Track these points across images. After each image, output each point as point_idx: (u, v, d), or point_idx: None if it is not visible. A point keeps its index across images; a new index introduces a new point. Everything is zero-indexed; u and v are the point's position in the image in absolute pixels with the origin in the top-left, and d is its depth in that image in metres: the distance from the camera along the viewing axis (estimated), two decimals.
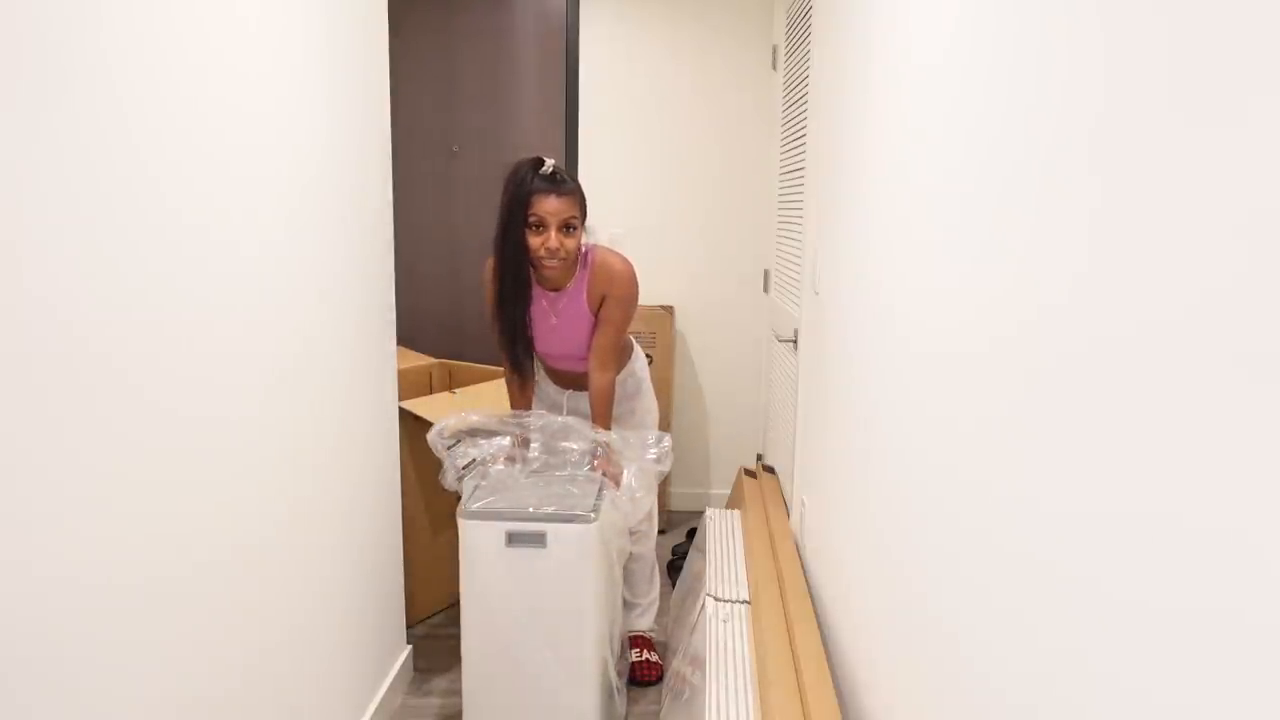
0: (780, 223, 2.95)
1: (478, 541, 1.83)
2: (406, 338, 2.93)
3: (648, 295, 3.37)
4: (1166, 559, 0.61)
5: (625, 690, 2.10)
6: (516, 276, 1.95)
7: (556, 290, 2.02)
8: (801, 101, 2.44)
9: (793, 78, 2.66)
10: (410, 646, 2.28)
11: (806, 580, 1.97)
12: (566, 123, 3.34)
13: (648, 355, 3.30)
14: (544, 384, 2.26)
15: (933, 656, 1.12)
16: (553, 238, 1.86)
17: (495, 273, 1.97)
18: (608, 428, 2.04)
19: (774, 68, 3.21)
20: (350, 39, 1.77)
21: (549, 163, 1.88)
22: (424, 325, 3.36)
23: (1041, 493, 0.81)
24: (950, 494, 1.07)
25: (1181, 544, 0.59)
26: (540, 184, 1.86)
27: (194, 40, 1.16)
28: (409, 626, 2.34)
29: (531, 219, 1.87)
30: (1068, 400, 0.76)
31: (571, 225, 1.88)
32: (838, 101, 1.89)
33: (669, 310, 3.31)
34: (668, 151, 3.33)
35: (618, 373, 2.13)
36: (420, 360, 2.87)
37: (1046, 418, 0.80)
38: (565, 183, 1.89)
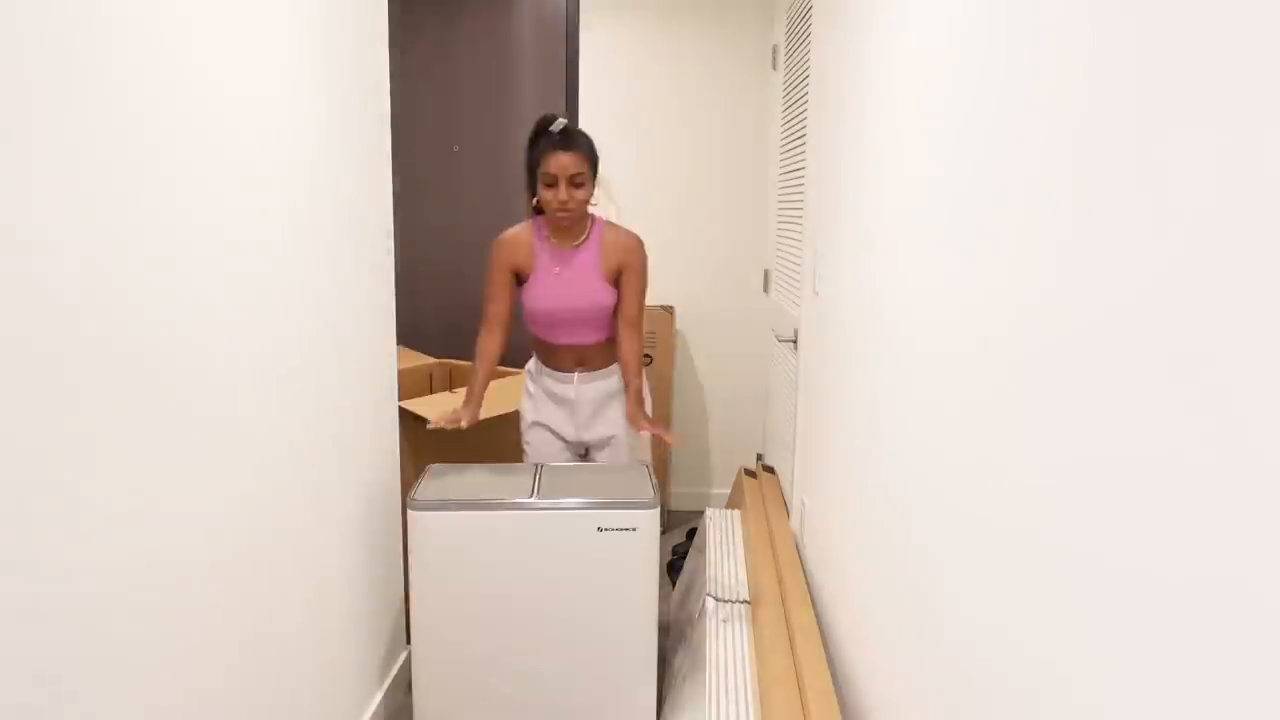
0: (780, 223, 2.95)
1: (427, 533, 1.87)
2: (406, 338, 2.92)
3: (648, 295, 3.36)
4: (1173, 567, 0.61)
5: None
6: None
7: (565, 249, 2.16)
8: (801, 101, 2.44)
9: (793, 78, 2.66)
10: (410, 646, 2.28)
11: (806, 580, 1.97)
12: None
13: (648, 355, 3.31)
14: (544, 380, 2.25)
15: (932, 656, 1.12)
16: (563, 190, 2.03)
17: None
18: (640, 382, 2.18)
19: (774, 68, 3.20)
20: (351, 40, 1.77)
21: (559, 121, 2.05)
22: (424, 325, 3.35)
23: (1045, 493, 0.81)
24: (951, 494, 1.07)
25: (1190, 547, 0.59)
26: (552, 141, 2.04)
27: (196, 45, 1.16)
28: (409, 626, 2.34)
29: (544, 177, 2.04)
30: (1071, 400, 0.76)
31: (579, 181, 2.05)
32: (838, 101, 1.89)
33: (669, 310, 3.31)
34: (668, 152, 3.33)
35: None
36: (420, 360, 2.87)
37: (1051, 417, 0.80)
38: (573, 138, 2.05)
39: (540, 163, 2.04)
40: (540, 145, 2.05)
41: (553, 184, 2.04)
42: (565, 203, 2.04)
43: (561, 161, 2.02)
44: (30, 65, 0.86)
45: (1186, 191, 0.60)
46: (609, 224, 2.21)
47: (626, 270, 2.18)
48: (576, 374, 2.22)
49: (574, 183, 2.04)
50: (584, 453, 2.32)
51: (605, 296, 2.17)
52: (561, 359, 2.23)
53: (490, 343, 2.18)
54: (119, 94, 1.00)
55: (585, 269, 2.15)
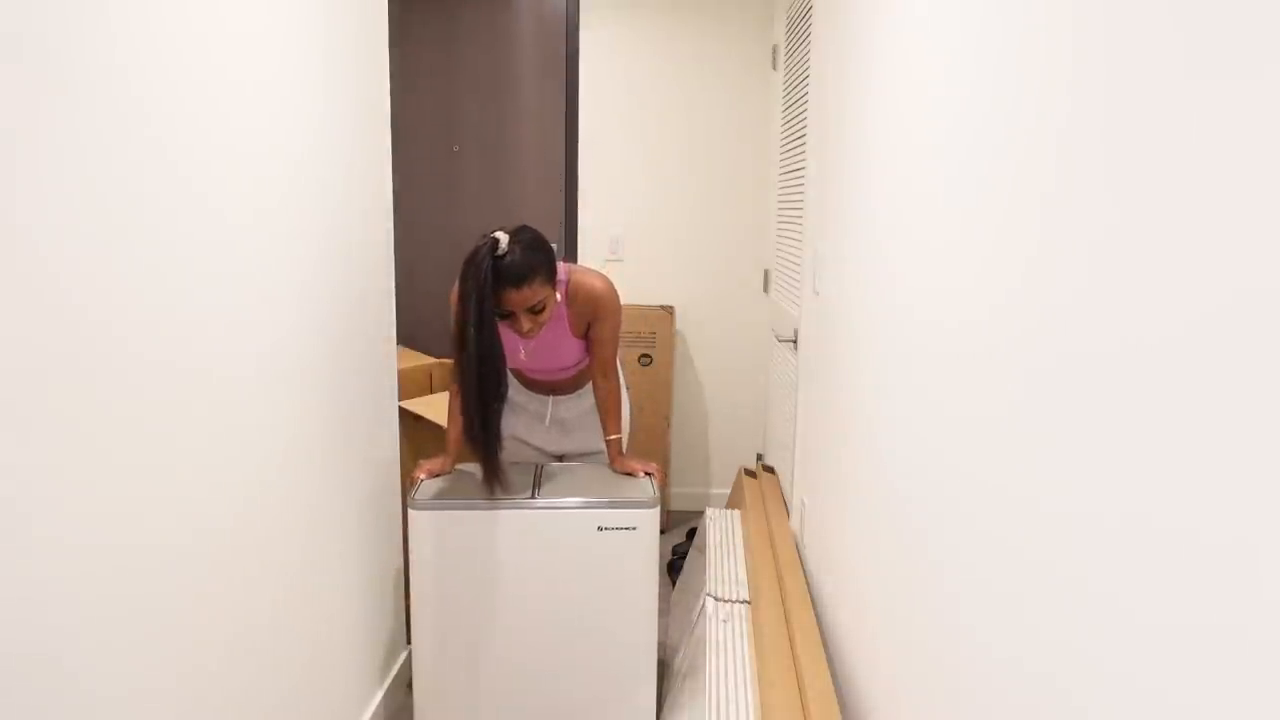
0: (780, 223, 2.95)
1: (427, 533, 1.88)
2: (406, 338, 2.93)
3: (648, 295, 3.38)
4: (1173, 573, 0.61)
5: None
6: (487, 355, 1.84)
7: None
8: (801, 101, 2.44)
9: (793, 78, 2.66)
10: (410, 646, 2.28)
11: (806, 580, 1.97)
12: (566, 122, 3.34)
13: (647, 355, 3.31)
14: (517, 396, 2.19)
15: (932, 656, 1.12)
16: (522, 324, 1.84)
17: (460, 350, 1.86)
18: (619, 428, 2.07)
19: (774, 68, 3.21)
20: (350, 39, 1.77)
21: (502, 244, 1.77)
22: (424, 325, 3.36)
23: (1046, 491, 0.81)
24: (950, 492, 1.07)
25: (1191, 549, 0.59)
26: (500, 281, 1.77)
27: (199, 50, 1.16)
28: (409, 626, 2.34)
29: (500, 309, 1.82)
30: (1073, 399, 0.76)
31: (538, 308, 1.83)
32: (838, 101, 1.89)
33: (669, 310, 3.31)
34: (668, 151, 3.33)
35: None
36: (420, 360, 2.87)
37: (1052, 415, 0.80)
38: (524, 270, 1.78)
39: (496, 300, 1.78)
40: (487, 283, 1.75)
41: (510, 315, 1.83)
42: (530, 332, 1.85)
43: (515, 300, 1.79)
44: (30, 48, 0.86)
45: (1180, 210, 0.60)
46: (574, 273, 2.00)
47: (594, 322, 2.02)
48: (551, 398, 2.19)
49: (533, 310, 1.82)
50: (559, 458, 2.28)
51: (580, 353, 2.07)
52: (534, 386, 2.19)
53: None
54: (121, 93, 1.00)
55: (555, 340, 2.02)
